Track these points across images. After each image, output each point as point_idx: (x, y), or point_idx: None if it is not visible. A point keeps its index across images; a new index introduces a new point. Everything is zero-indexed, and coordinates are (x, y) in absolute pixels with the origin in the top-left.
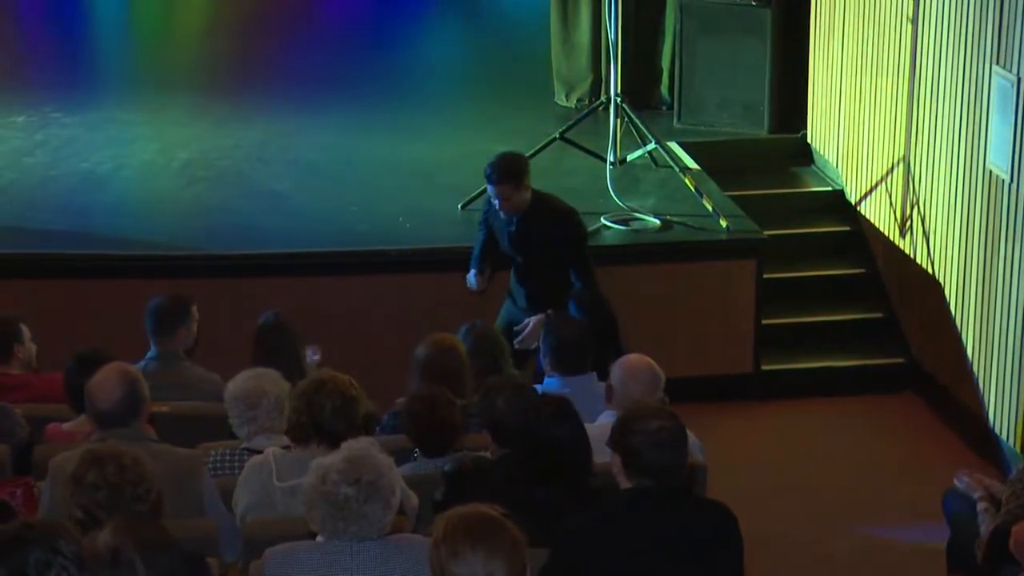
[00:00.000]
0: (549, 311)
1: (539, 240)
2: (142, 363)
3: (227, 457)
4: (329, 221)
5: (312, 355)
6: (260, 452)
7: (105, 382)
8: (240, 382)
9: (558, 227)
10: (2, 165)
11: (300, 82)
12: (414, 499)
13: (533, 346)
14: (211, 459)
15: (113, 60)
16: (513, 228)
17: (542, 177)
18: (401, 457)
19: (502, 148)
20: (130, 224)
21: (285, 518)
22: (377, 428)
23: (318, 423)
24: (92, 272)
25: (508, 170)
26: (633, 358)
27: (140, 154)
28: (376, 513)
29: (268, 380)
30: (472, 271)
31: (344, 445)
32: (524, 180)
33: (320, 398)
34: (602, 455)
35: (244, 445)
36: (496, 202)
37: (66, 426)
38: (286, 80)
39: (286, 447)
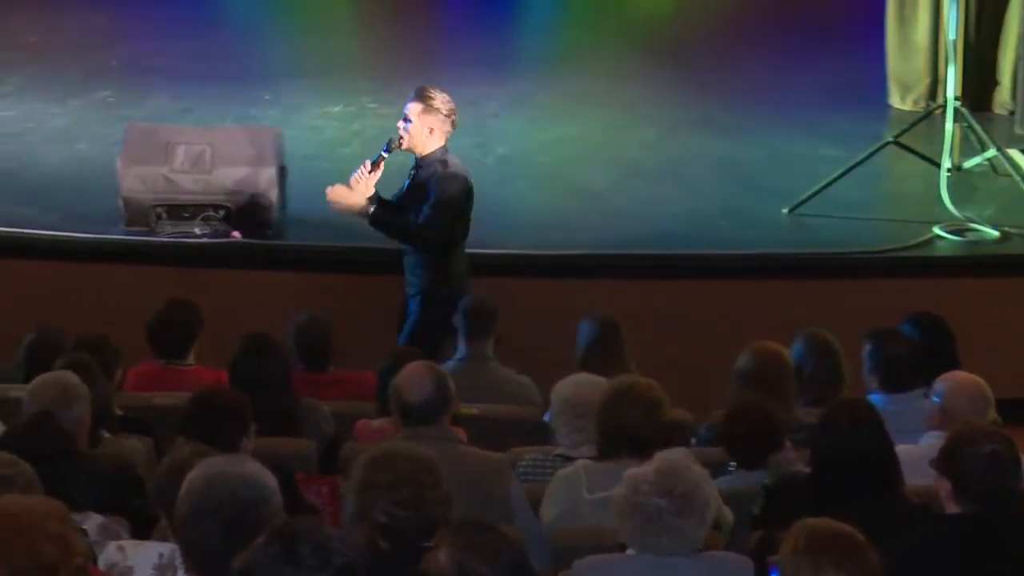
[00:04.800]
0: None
1: (419, 196)
2: (451, 363)
3: (539, 463)
4: (647, 222)
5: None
6: (573, 460)
7: (414, 376)
8: (576, 390)
9: (436, 181)
10: (318, 155)
11: (621, 78)
12: (729, 515)
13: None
14: (522, 464)
15: (438, 57)
16: (408, 179)
17: (872, 182)
18: (717, 471)
19: (829, 151)
20: None
21: (593, 528)
22: (693, 440)
23: (626, 430)
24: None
25: (426, 92)
26: (960, 376)
27: (456, 147)
28: (690, 527)
29: None
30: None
31: (657, 455)
32: (435, 115)
33: (625, 405)
34: (923, 477)
35: (558, 452)
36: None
37: (376, 423)
38: (607, 76)
39: (594, 458)
